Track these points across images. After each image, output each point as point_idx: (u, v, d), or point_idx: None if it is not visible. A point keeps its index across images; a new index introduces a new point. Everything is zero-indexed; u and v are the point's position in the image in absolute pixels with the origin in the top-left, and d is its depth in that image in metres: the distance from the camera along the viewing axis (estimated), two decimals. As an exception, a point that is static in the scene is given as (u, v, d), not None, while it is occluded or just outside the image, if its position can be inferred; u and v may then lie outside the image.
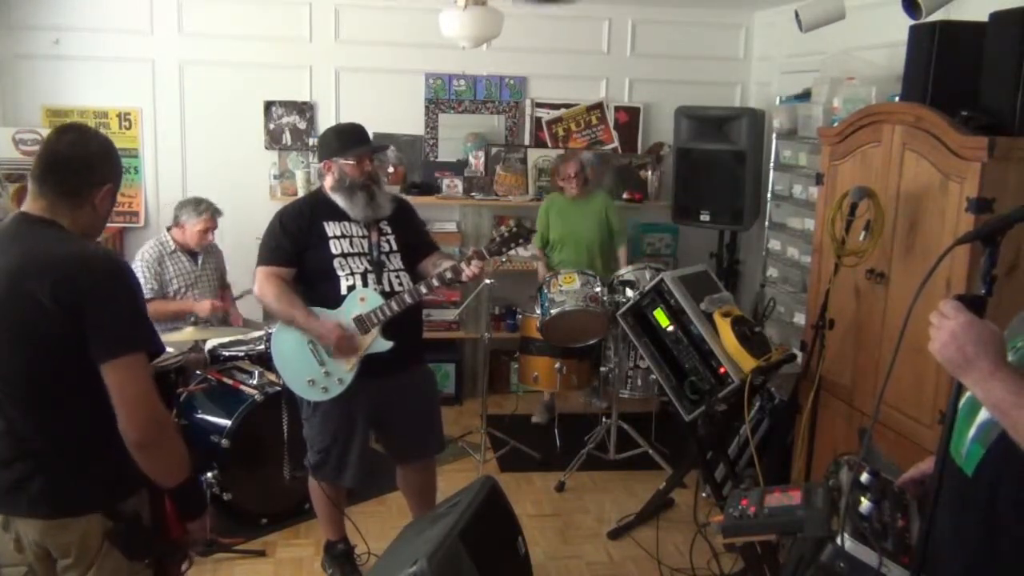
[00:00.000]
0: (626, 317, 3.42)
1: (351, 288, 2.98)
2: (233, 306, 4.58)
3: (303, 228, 3.00)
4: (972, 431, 1.41)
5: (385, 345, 2.98)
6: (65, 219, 1.85)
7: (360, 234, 3.05)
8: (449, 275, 2.98)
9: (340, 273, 2.98)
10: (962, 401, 1.45)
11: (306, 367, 2.98)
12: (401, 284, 3.06)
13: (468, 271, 2.94)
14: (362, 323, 2.96)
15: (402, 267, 3.09)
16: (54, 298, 1.72)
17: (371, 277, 3.01)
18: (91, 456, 1.82)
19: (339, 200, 3.02)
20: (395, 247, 3.10)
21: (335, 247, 3.00)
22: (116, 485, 1.85)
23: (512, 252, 3.14)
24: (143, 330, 1.83)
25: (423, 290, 2.99)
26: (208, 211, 4.28)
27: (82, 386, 1.76)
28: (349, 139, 3.05)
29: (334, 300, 2.98)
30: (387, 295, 2.99)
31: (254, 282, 3.03)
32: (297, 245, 2.99)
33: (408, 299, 2.97)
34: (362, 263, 3.02)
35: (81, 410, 1.79)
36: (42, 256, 1.77)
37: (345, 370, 2.97)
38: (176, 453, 1.88)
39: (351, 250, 3.01)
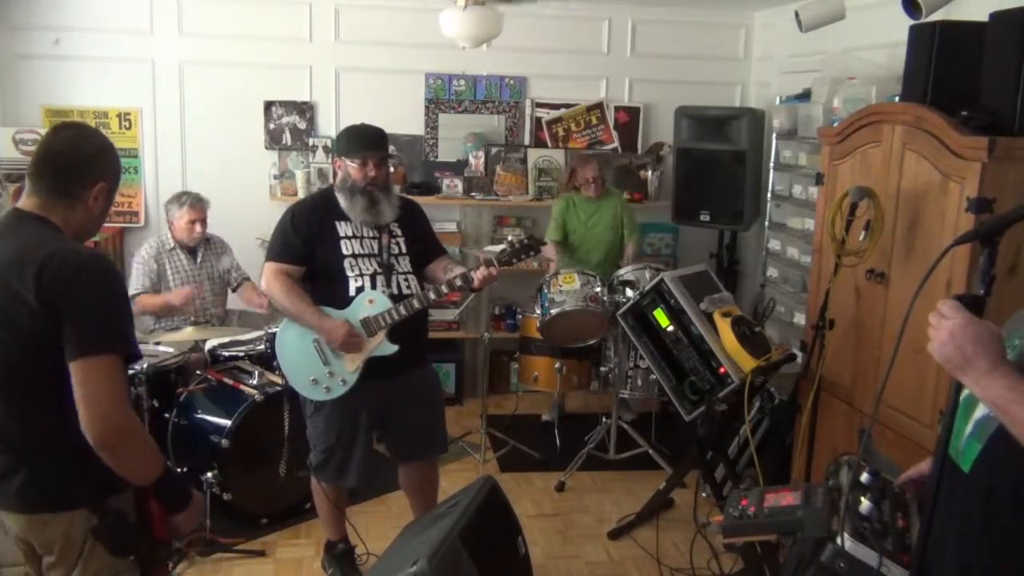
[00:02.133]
0: (626, 317, 3.42)
1: (360, 289, 2.98)
2: (259, 294, 4.30)
3: (314, 226, 2.99)
4: (969, 428, 1.42)
5: (391, 348, 2.98)
6: (58, 217, 1.86)
7: (370, 235, 3.04)
8: (459, 282, 2.99)
9: (350, 274, 2.98)
10: (960, 398, 1.45)
11: (310, 366, 2.98)
12: (409, 287, 3.06)
13: (479, 279, 2.96)
14: (369, 326, 2.96)
15: (411, 270, 3.09)
16: (36, 294, 1.73)
17: (380, 279, 3.01)
18: (74, 453, 1.80)
19: (341, 200, 3.01)
20: (404, 249, 3.10)
21: (346, 247, 2.99)
22: (99, 482, 1.84)
23: (521, 262, 3.15)
24: (118, 333, 1.81)
25: (432, 296, 2.99)
26: (188, 202, 4.22)
27: (64, 382, 1.75)
28: (357, 140, 3.05)
29: (342, 300, 2.97)
30: (396, 298, 2.99)
31: (261, 277, 3.03)
32: (308, 243, 2.98)
33: (417, 304, 2.97)
34: (372, 264, 3.01)
35: (63, 407, 1.77)
36: (29, 252, 1.77)
37: (349, 371, 2.97)
38: (141, 455, 1.85)
39: (361, 251, 3.01)
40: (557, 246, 4.92)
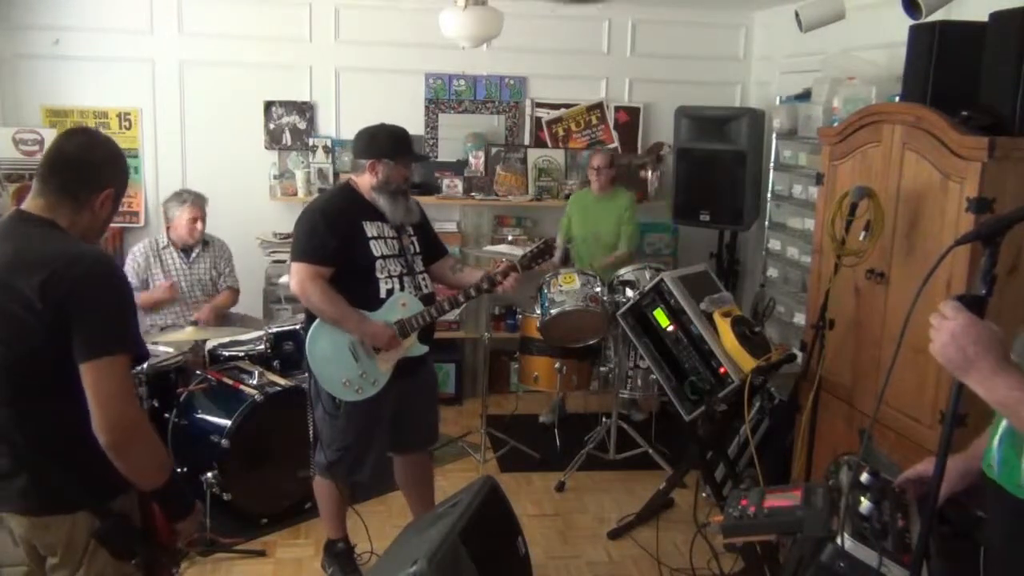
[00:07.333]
0: (626, 317, 3.42)
1: (390, 291, 2.98)
2: (231, 306, 4.51)
3: (348, 226, 2.94)
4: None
5: (422, 349, 3.05)
6: (64, 219, 1.86)
7: (392, 235, 3.03)
8: (485, 286, 3.05)
9: (380, 275, 2.96)
10: (1001, 427, 1.43)
11: (344, 368, 2.96)
12: (428, 286, 3.10)
13: (506, 284, 3.03)
14: (402, 327, 2.97)
15: (424, 268, 3.13)
16: (42, 295, 1.73)
17: (407, 280, 3.02)
18: (76, 455, 1.81)
19: (381, 201, 2.99)
20: (418, 249, 3.13)
21: (376, 248, 2.97)
22: (102, 484, 1.84)
23: (538, 266, 3.21)
24: (127, 333, 1.82)
25: (461, 299, 3.05)
26: (190, 199, 4.27)
27: (68, 385, 1.75)
28: (403, 145, 3.04)
29: (373, 302, 2.95)
30: (424, 299, 3.04)
31: (290, 278, 2.97)
32: (342, 244, 2.91)
33: (447, 307, 3.03)
34: (398, 265, 3.01)
35: (67, 408, 1.77)
36: (34, 254, 1.78)
37: (382, 372, 2.99)
38: (151, 457, 1.86)
39: (388, 252, 3.00)
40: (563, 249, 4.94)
